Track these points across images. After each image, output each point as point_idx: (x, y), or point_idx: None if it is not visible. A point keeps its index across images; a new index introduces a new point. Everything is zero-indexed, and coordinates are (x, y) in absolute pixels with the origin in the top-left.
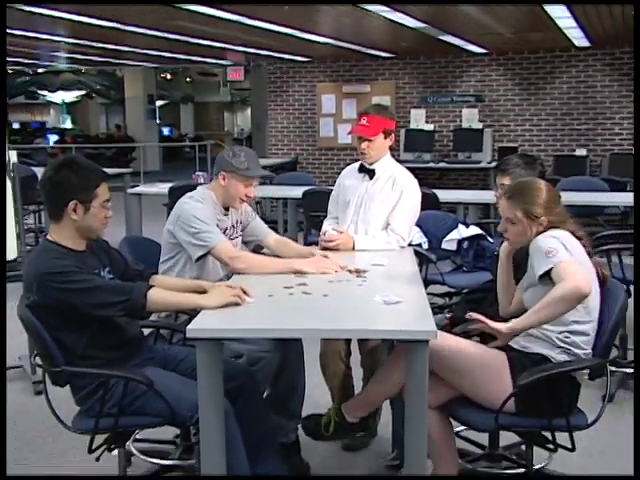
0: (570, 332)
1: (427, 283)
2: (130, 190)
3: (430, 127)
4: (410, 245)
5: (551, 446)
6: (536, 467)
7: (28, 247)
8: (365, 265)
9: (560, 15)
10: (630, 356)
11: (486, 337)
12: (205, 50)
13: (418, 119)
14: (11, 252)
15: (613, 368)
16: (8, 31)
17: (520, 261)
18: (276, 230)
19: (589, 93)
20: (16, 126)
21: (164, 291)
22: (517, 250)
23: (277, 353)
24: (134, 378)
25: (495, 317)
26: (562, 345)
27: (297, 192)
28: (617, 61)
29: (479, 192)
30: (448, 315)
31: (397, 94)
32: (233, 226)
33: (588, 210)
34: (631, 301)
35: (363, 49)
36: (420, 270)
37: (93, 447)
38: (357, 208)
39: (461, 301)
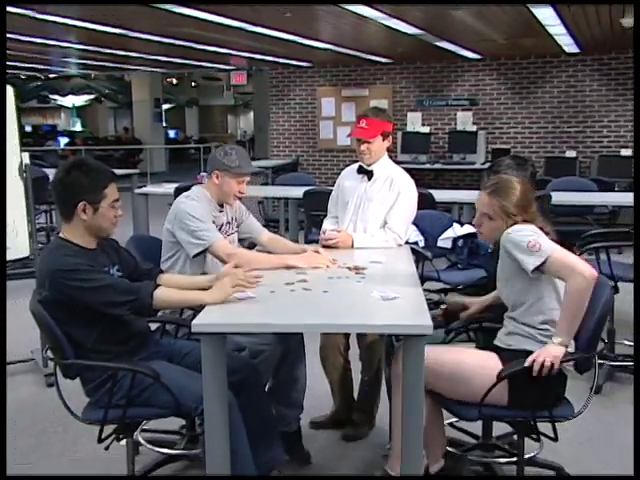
0: (547, 322)
1: (423, 280)
2: (137, 190)
3: (426, 130)
4: (407, 243)
5: (535, 436)
6: (527, 456)
7: (40, 245)
8: (363, 262)
9: (551, 22)
10: (618, 350)
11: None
12: (209, 55)
13: (414, 122)
14: (24, 250)
15: (601, 361)
16: (21, 38)
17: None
18: (278, 229)
19: (578, 97)
20: (28, 129)
21: (170, 290)
22: None
23: (278, 346)
24: (141, 371)
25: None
26: (544, 339)
27: (298, 192)
28: (605, 67)
29: (473, 192)
30: (443, 306)
31: (394, 98)
32: (228, 222)
33: (577, 209)
34: (625, 298)
35: (361, 54)
36: (416, 267)
37: (102, 437)
38: (356, 208)
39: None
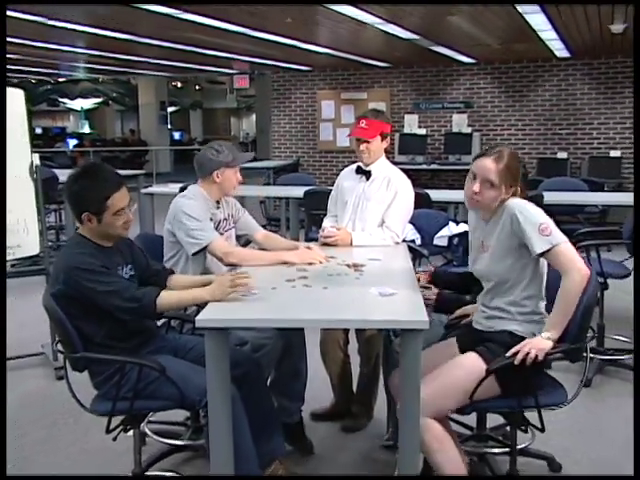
0: (529, 305)
1: None
2: (143, 190)
3: (423, 131)
4: (404, 241)
5: (524, 427)
6: (520, 447)
7: (50, 243)
8: (362, 260)
9: (542, 28)
10: (607, 344)
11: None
12: (213, 60)
13: (411, 124)
14: (34, 248)
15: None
16: (32, 44)
17: None
18: (279, 227)
19: (569, 100)
20: (38, 131)
21: (171, 293)
22: None
23: (280, 340)
24: (148, 365)
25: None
26: (521, 318)
27: (299, 192)
28: (595, 71)
29: None
30: (436, 290)
31: (392, 101)
32: (225, 219)
33: (569, 209)
34: (615, 295)
35: (360, 59)
36: (413, 264)
37: (110, 428)
38: (355, 207)
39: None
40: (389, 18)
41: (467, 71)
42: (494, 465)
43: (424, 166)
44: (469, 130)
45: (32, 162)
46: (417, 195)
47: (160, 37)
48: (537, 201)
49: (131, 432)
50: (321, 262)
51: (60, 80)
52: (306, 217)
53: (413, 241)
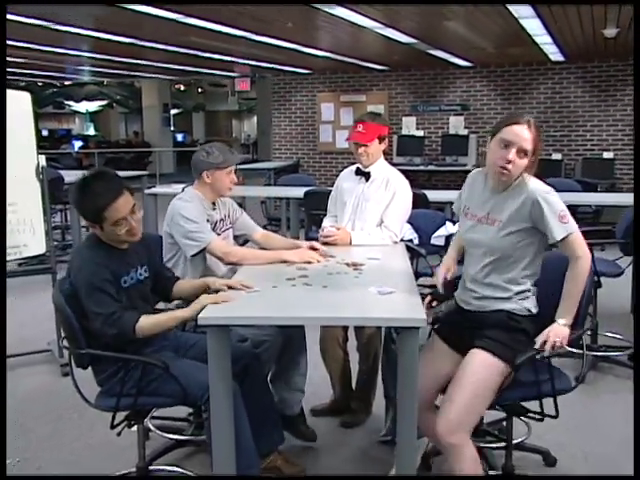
0: (525, 276)
1: (418, 275)
2: (147, 191)
3: (420, 133)
4: (402, 241)
5: (536, 416)
6: (515, 441)
7: (55, 242)
8: (361, 259)
9: (537, 32)
10: (600, 341)
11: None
12: (215, 63)
13: (409, 126)
14: (40, 247)
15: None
16: (38, 47)
17: None
18: (280, 227)
19: (563, 103)
20: (45, 133)
21: (149, 318)
22: None
23: (280, 337)
24: (152, 362)
25: None
26: (517, 297)
27: (299, 192)
28: (589, 74)
29: None
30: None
31: (390, 103)
32: (222, 219)
33: None
34: (608, 293)
35: (359, 62)
36: (411, 263)
37: (115, 423)
38: (354, 208)
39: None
40: (388, 22)
41: (464, 74)
42: (491, 459)
43: (422, 167)
44: (466, 132)
45: (38, 163)
46: (415, 195)
47: (164, 41)
48: None
49: (135, 427)
50: (319, 261)
51: (66, 83)
52: (306, 217)
53: (411, 240)
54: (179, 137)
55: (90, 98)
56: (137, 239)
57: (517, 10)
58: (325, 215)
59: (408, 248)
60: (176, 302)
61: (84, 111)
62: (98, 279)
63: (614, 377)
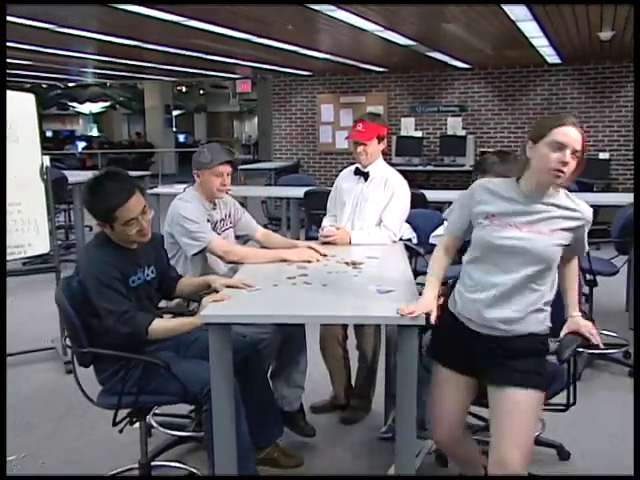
0: (551, 288)
1: (416, 274)
2: (149, 191)
3: (419, 134)
4: (401, 240)
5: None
6: None
7: (59, 242)
8: (360, 258)
9: (534, 35)
10: None
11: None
12: (216, 65)
13: (408, 127)
14: (44, 247)
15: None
16: (42, 49)
17: None
18: (280, 227)
19: (560, 104)
20: (49, 134)
21: (162, 322)
22: None
23: (278, 335)
24: (153, 361)
25: None
26: (546, 311)
27: (299, 192)
28: (585, 76)
29: (463, 192)
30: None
31: (389, 104)
32: (222, 219)
33: None
34: (603, 291)
35: (358, 64)
36: (410, 262)
37: (117, 420)
38: (353, 207)
39: (448, 288)
40: (387, 25)
41: (462, 76)
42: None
43: (420, 167)
44: (463, 133)
45: (42, 164)
46: (413, 195)
47: (166, 43)
48: None
49: (137, 424)
50: (318, 260)
51: (70, 85)
52: (306, 217)
53: (410, 240)
54: (181, 138)
55: (93, 99)
56: (147, 239)
57: (514, 12)
58: (325, 215)
59: (407, 247)
60: (176, 301)
61: (87, 112)
62: (106, 277)
63: (610, 374)
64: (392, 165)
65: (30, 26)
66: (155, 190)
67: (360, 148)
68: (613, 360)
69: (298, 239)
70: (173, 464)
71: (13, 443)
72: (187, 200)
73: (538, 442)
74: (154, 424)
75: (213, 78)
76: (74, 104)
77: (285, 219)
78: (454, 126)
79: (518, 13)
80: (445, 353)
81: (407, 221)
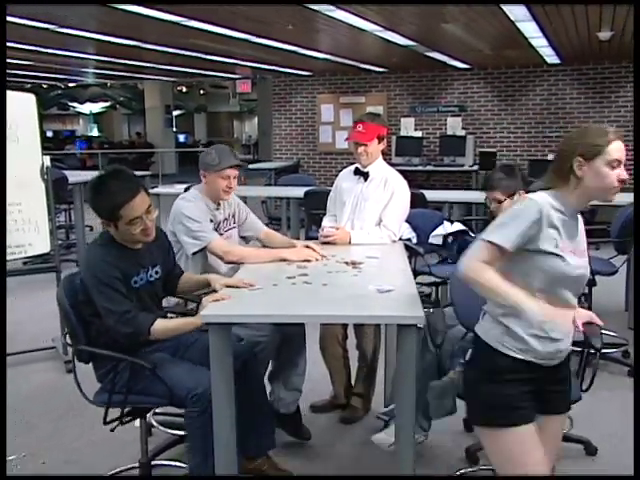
0: None
1: (416, 273)
2: (150, 191)
3: (418, 134)
4: (401, 239)
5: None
6: None
7: (59, 241)
8: (360, 257)
9: (533, 35)
10: None
11: None
12: (216, 65)
13: (408, 127)
14: (45, 246)
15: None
16: (43, 50)
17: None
18: (280, 227)
19: (559, 104)
20: (49, 134)
21: (164, 322)
22: None
23: (276, 336)
24: (138, 362)
25: None
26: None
27: (299, 192)
28: (584, 76)
29: (462, 192)
30: None
31: (389, 104)
32: (226, 219)
33: None
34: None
35: (358, 64)
36: (410, 262)
37: (112, 419)
38: (353, 207)
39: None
40: (387, 25)
41: (461, 76)
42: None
43: (420, 167)
44: (463, 133)
45: (43, 164)
46: (413, 195)
47: (166, 43)
48: None
49: (137, 422)
50: (317, 259)
51: (70, 85)
52: (306, 216)
53: (409, 239)
54: (181, 138)
55: (94, 100)
56: (151, 239)
57: (513, 12)
58: (325, 215)
59: (406, 247)
60: (175, 301)
61: (88, 112)
62: (105, 276)
63: (609, 374)
64: (392, 165)
65: (30, 26)
66: (155, 190)
67: (361, 149)
68: (612, 360)
69: (298, 239)
70: (173, 463)
71: (13, 443)
72: (190, 199)
73: (567, 439)
74: (154, 423)
75: (213, 78)
76: (74, 104)
77: (285, 219)
78: (454, 126)
79: (517, 13)
80: (517, 408)
81: (407, 221)
